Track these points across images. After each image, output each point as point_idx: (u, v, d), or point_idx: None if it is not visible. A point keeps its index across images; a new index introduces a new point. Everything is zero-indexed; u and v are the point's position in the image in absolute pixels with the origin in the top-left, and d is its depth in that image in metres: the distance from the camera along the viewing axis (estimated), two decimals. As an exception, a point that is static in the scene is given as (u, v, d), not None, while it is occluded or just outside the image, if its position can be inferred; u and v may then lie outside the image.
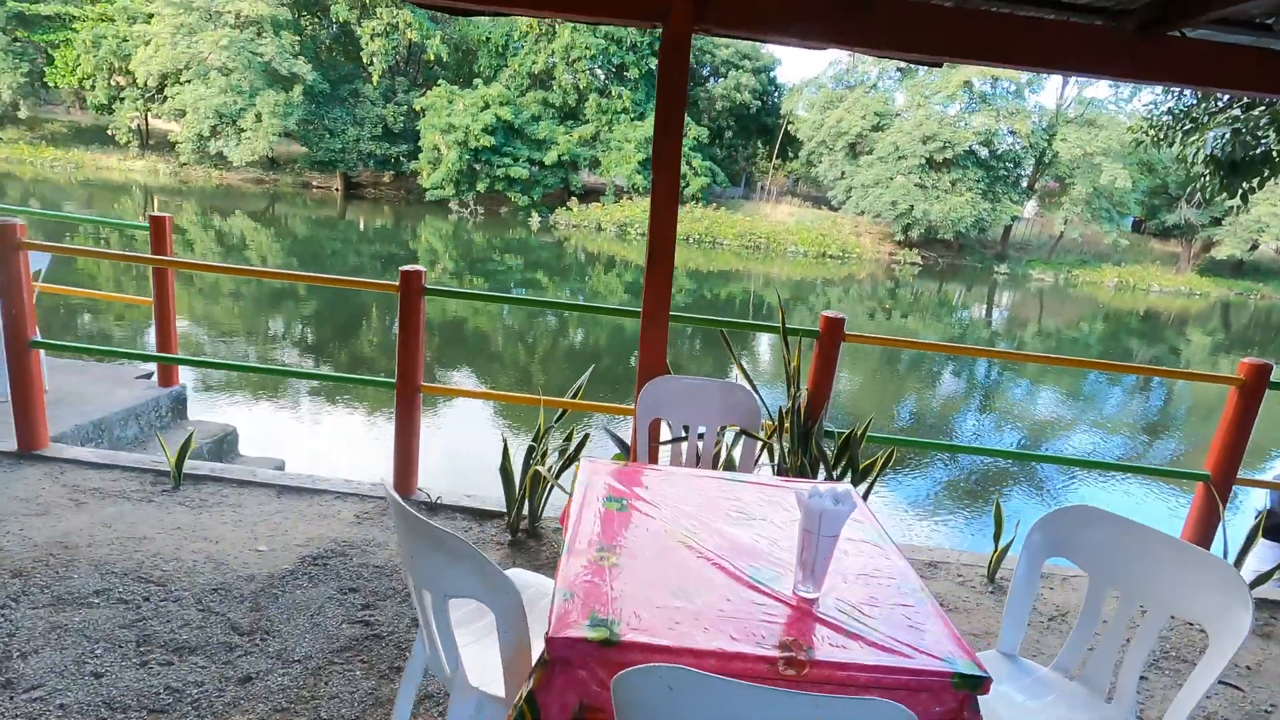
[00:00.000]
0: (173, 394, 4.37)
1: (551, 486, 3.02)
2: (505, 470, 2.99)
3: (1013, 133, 25.88)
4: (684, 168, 26.49)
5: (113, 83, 26.35)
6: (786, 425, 2.91)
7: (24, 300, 3.18)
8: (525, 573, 1.93)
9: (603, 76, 27.50)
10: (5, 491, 2.98)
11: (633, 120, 26.72)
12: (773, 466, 2.98)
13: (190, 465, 3.32)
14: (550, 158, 26.12)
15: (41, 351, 3.62)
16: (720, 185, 28.45)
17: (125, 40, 25.35)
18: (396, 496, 1.44)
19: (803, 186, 33.27)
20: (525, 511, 3.08)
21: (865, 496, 2.89)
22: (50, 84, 27.00)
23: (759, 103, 29.99)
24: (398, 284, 3.07)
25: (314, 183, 27.98)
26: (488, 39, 27.80)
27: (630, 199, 27.04)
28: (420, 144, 25.92)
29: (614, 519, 1.69)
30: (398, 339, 3.14)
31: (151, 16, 24.96)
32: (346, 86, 26.79)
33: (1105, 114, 26.88)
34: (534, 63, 26.82)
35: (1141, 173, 26.31)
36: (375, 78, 26.57)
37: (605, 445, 3.32)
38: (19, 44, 25.60)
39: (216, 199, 24.03)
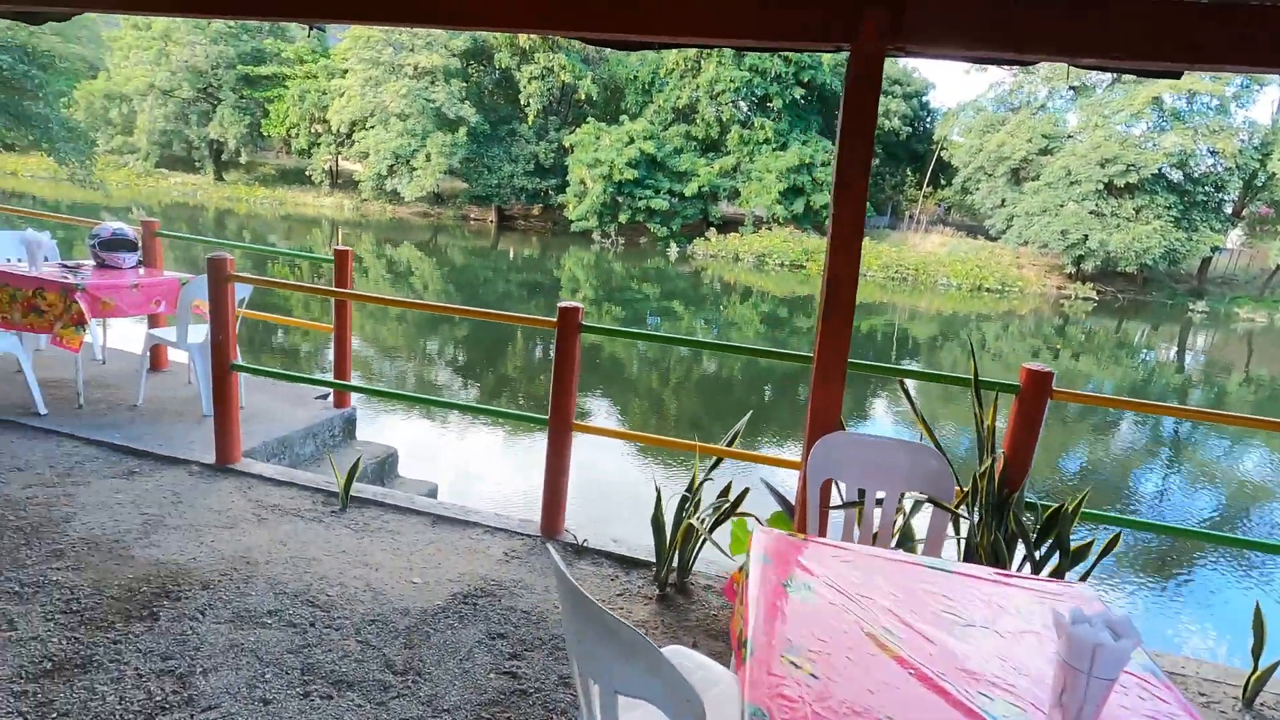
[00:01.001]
0: (345, 415, 4.67)
1: (704, 540, 2.82)
2: (657, 520, 2.83)
3: (1214, 152, 22.69)
4: (824, 196, 25.82)
5: (312, 130, 30.33)
6: (980, 493, 2.52)
7: (230, 327, 3.50)
8: (688, 653, 1.74)
9: (745, 108, 27.56)
10: (202, 502, 3.25)
11: (774, 150, 26.47)
12: (958, 541, 2.59)
13: (355, 487, 3.47)
14: (690, 189, 26.46)
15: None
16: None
17: (325, 94, 29.14)
18: (563, 566, 1.30)
19: (955, 215, 31.21)
20: (674, 564, 2.90)
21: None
22: (265, 133, 31.54)
23: (909, 129, 28.71)
24: (555, 320, 3.04)
25: (472, 215, 30.27)
26: (635, 77, 28.88)
27: (769, 229, 26.69)
28: (568, 178, 27.27)
29: (800, 610, 1.46)
30: (553, 376, 3.10)
31: (346, 72, 28.50)
32: (505, 127, 28.90)
33: (1340, 128, 22.93)
34: (678, 97, 27.44)
35: (1391, 196, 22.10)
36: (530, 118, 28.42)
37: (763, 498, 3.08)
38: (244, 100, 30.31)
39: (389, 230, 26.58)
